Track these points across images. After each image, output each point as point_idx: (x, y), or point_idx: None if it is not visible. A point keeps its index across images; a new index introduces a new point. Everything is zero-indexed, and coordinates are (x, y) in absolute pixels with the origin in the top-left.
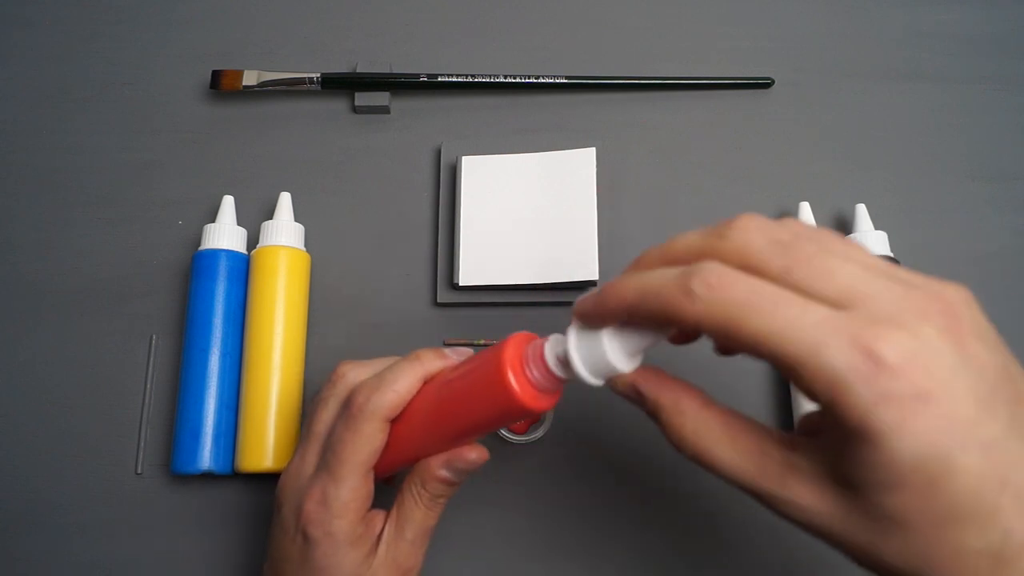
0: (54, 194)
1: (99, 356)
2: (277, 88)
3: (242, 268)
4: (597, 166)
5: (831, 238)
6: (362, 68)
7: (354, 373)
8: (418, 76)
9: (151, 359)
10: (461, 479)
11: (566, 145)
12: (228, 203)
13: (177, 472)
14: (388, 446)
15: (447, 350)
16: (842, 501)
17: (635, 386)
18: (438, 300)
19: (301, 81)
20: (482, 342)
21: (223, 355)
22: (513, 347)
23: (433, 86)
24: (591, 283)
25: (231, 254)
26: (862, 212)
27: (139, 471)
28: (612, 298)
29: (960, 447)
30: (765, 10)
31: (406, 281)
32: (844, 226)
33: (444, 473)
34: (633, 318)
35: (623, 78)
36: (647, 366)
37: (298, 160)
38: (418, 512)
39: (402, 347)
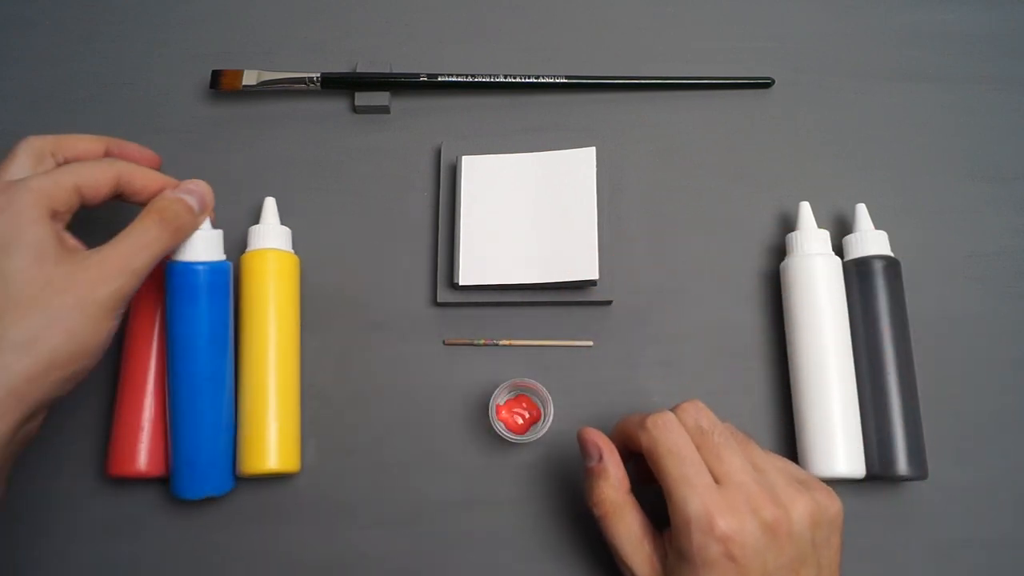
0: None
1: None
2: (277, 88)
3: (224, 278)
4: (597, 166)
5: (730, 437)
6: (362, 68)
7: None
8: (418, 76)
9: None
10: None
11: (566, 145)
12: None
13: (179, 497)
14: None
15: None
16: None
17: (598, 444)
18: (438, 300)
19: (301, 81)
20: (482, 342)
21: (215, 376)
22: None
23: (433, 86)
24: (591, 283)
25: (212, 264)
26: (862, 212)
27: None
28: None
29: None
30: (765, 10)
31: (406, 281)
32: (844, 226)
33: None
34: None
35: (623, 78)
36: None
37: (298, 160)
38: None
39: (402, 347)
